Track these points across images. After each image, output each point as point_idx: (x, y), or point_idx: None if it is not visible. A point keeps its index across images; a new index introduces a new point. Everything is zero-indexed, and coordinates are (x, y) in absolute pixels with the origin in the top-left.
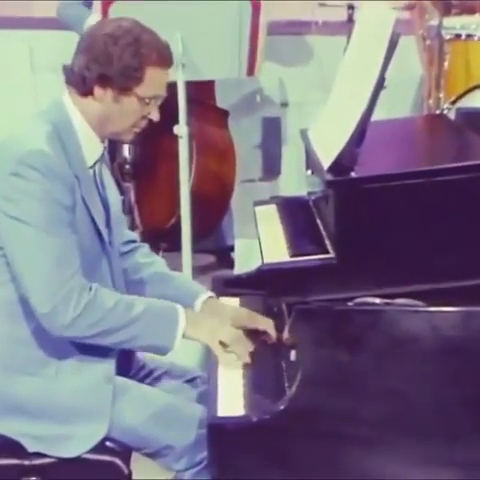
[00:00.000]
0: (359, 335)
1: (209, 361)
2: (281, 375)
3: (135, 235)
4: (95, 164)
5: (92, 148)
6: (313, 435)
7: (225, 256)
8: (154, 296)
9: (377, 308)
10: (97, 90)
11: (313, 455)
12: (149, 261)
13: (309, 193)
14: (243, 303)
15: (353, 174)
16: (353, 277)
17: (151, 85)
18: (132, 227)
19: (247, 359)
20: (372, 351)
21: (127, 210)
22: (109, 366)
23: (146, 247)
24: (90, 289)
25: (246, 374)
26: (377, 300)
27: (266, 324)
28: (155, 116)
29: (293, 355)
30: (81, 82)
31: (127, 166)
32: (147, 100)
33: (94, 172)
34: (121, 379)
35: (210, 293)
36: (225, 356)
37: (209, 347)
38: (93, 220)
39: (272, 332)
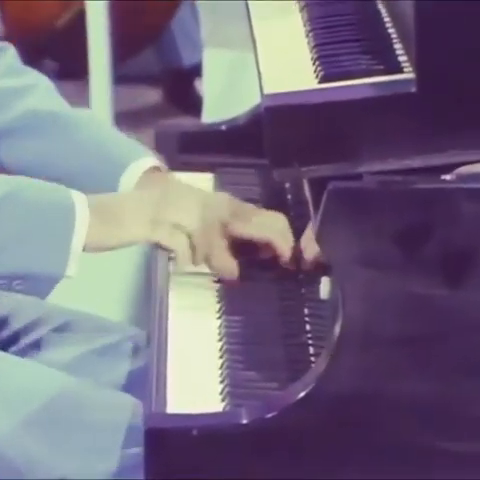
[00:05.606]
0: (467, 243)
1: (151, 311)
2: (301, 331)
3: None
4: None
5: None
6: (363, 449)
7: (182, 87)
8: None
9: None
10: None
11: None
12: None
13: None
14: (221, 182)
15: None
16: (452, 122)
17: None
18: None
19: (234, 270)
20: None
21: None
22: None
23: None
24: None
25: (227, 332)
26: None
27: (278, 222)
28: None
29: (324, 289)
30: None
31: None
32: None
33: None
34: None
35: (155, 160)
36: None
37: (156, 252)
38: None
39: (285, 246)
